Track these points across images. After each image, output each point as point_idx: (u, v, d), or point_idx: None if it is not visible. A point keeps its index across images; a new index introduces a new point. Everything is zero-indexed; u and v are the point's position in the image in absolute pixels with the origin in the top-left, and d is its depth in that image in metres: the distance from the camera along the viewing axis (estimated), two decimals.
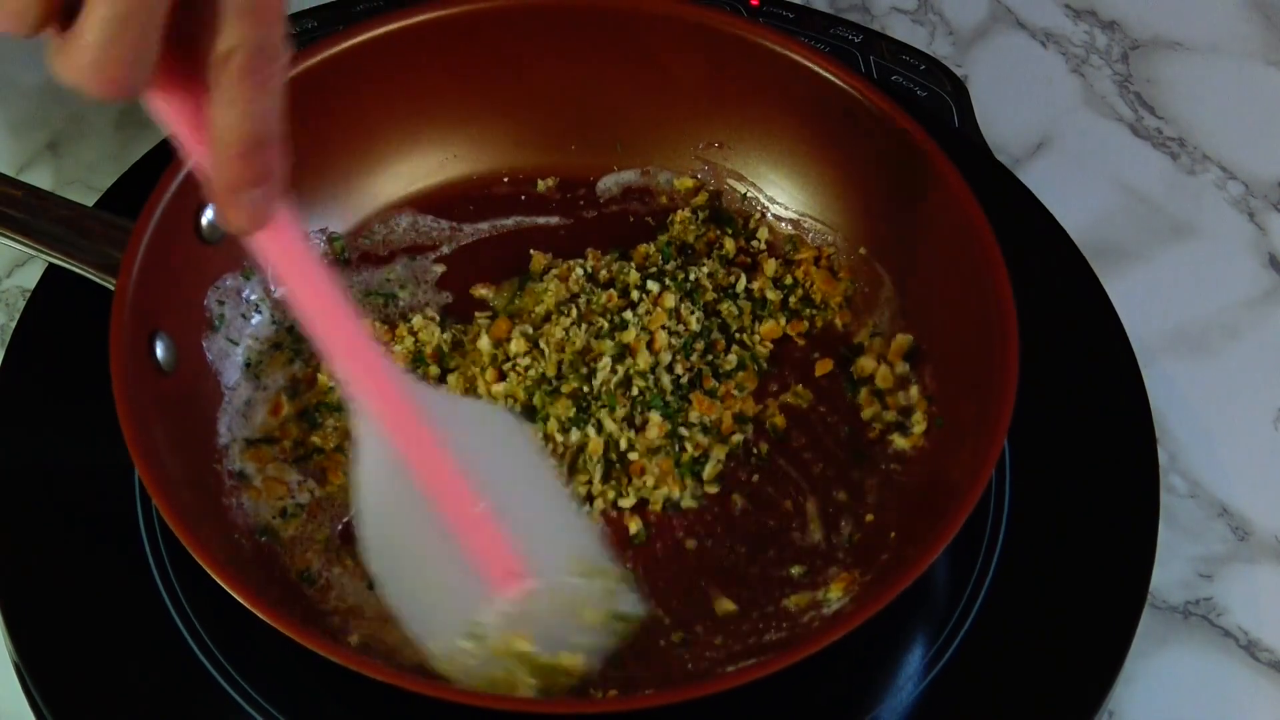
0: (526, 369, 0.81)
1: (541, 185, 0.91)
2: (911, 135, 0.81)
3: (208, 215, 0.81)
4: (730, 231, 0.89)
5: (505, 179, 0.91)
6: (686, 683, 0.73)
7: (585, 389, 0.80)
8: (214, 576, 0.68)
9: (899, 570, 0.70)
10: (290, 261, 0.61)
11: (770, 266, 0.87)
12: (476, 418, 0.71)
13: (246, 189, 0.55)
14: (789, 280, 0.87)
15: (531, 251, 0.87)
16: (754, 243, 0.88)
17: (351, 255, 0.88)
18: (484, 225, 0.89)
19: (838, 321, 0.85)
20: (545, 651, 0.67)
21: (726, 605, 0.76)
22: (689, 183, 0.90)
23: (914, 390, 0.82)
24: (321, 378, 0.81)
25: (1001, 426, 0.71)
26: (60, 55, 0.52)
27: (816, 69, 0.84)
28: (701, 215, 0.89)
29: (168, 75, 0.55)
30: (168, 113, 0.56)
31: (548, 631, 0.67)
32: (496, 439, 0.70)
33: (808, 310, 0.86)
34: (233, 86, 0.54)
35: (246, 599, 0.67)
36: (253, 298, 0.84)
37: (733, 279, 0.86)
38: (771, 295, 0.86)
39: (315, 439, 0.80)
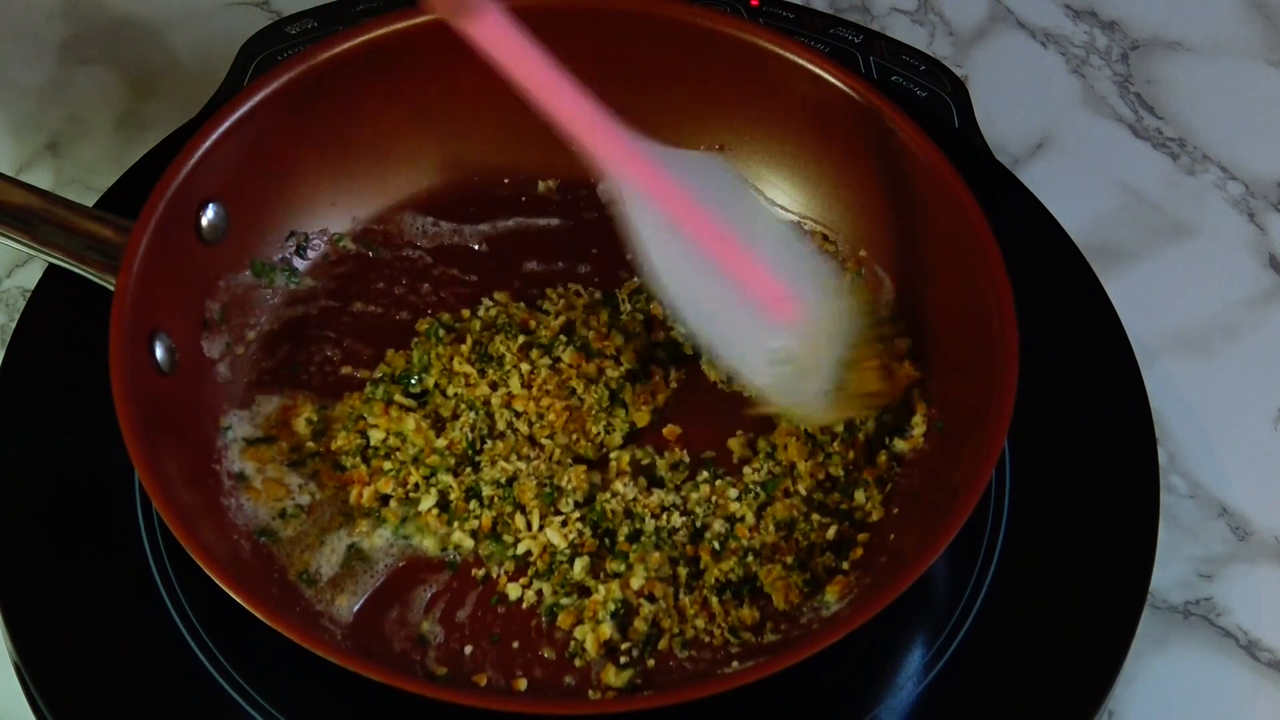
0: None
1: (542, 186, 0.91)
2: (912, 137, 0.81)
3: (208, 215, 0.81)
4: None
5: (506, 180, 0.91)
6: (685, 684, 0.73)
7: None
8: (213, 577, 0.68)
9: (897, 573, 0.70)
10: (510, 54, 0.68)
11: None
12: (702, 167, 0.77)
13: None
14: None
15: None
16: None
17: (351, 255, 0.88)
18: (485, 226, 0.89)
19: None
20: (840, 349, 0.76)
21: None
22: None
23: (914, 393, 0.82)
24: (347, 402, 0.82)
25: (1001, 429, 0.71)
26: None
27: (816, 71, 0.84)
28: None
29: None
30: None
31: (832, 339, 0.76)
32: (723, 183, 0.77)
33: None
34: None
35: (245, 600, 0.67)
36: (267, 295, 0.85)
37: None
38: None
39: (313, 445, 0.80)
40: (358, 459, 0.79)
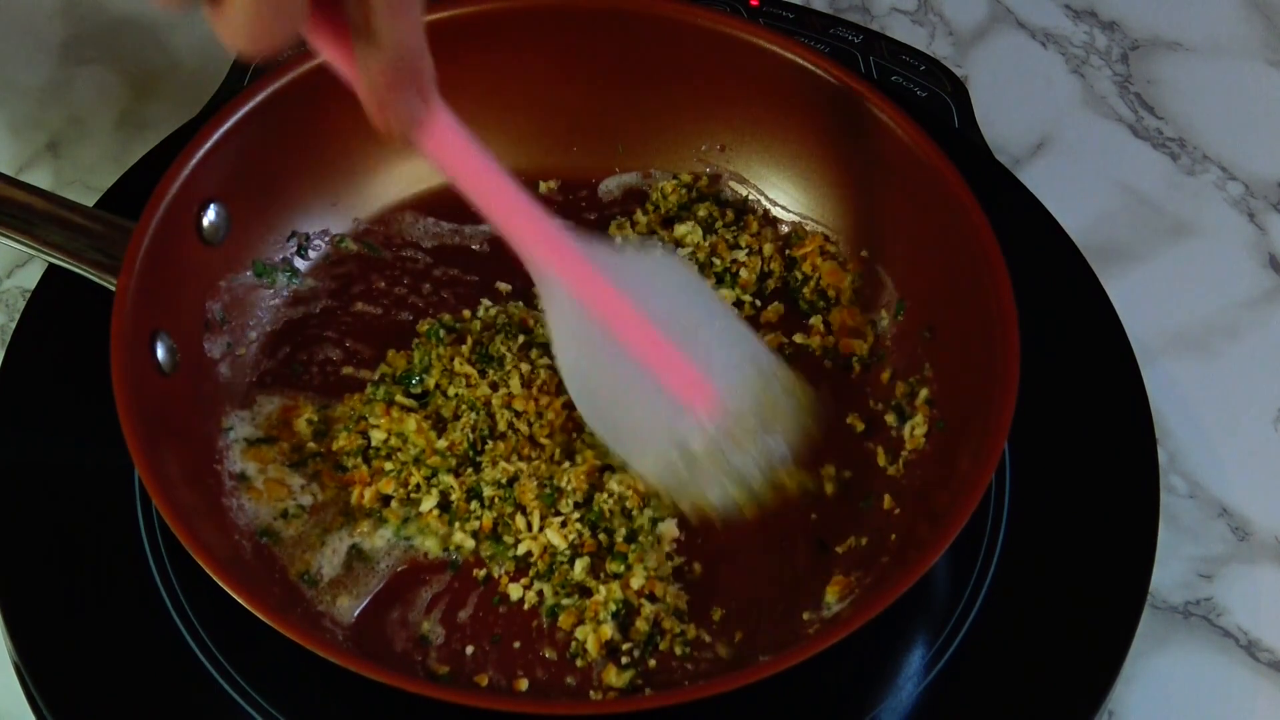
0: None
1: (543, 187, 0.91)
2: (911, 136, 0.81)
3: (209, 216, 0.81)
4: (724, 220, 0.89)
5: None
6: (687, 684, 0.73)
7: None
8: (214, 577, 0.68)
9: (898, 573, 0.70)
10: (453, 157, 0.67)
11: (769, 248, 0.87)
12: (644, 263, 0.76)
13: (396, 100, 0.63)
14: (798, 275, 0.87)
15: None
16: (744, 237, 0.89)
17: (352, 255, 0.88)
18: (485, 227, 0.89)
19: (847, 319, 0.85)
20: (752, 463, 0.74)
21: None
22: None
23: (915, 394, 0.82)
24: (347, 403, 0.82)
25: (1002, 429, 0.71)
26: (217, 22, 0.59)
27: (817, 71, 0.84)
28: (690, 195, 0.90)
29: (315, 19, 0.62)
30: (319, 47, 0.63)
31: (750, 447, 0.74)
32: (665, 278, 0.75)
33: (820, 302, 0.86)
34: (373, 20, 0.60)
35: (247, 600, 0.67)
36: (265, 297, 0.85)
37: (728, 264, 0.87)
38: (775, 267, 0.87)
39: (313, 445, 0.80)
40: (359, 459, 0.79)
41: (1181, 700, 0.79)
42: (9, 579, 0.76)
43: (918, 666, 0.75)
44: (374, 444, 0.79)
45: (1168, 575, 0.83)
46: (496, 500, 0.77)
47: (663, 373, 0.72)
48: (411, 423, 0.79)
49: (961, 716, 0.75)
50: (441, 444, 0.78)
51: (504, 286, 0.87)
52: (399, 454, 0.78)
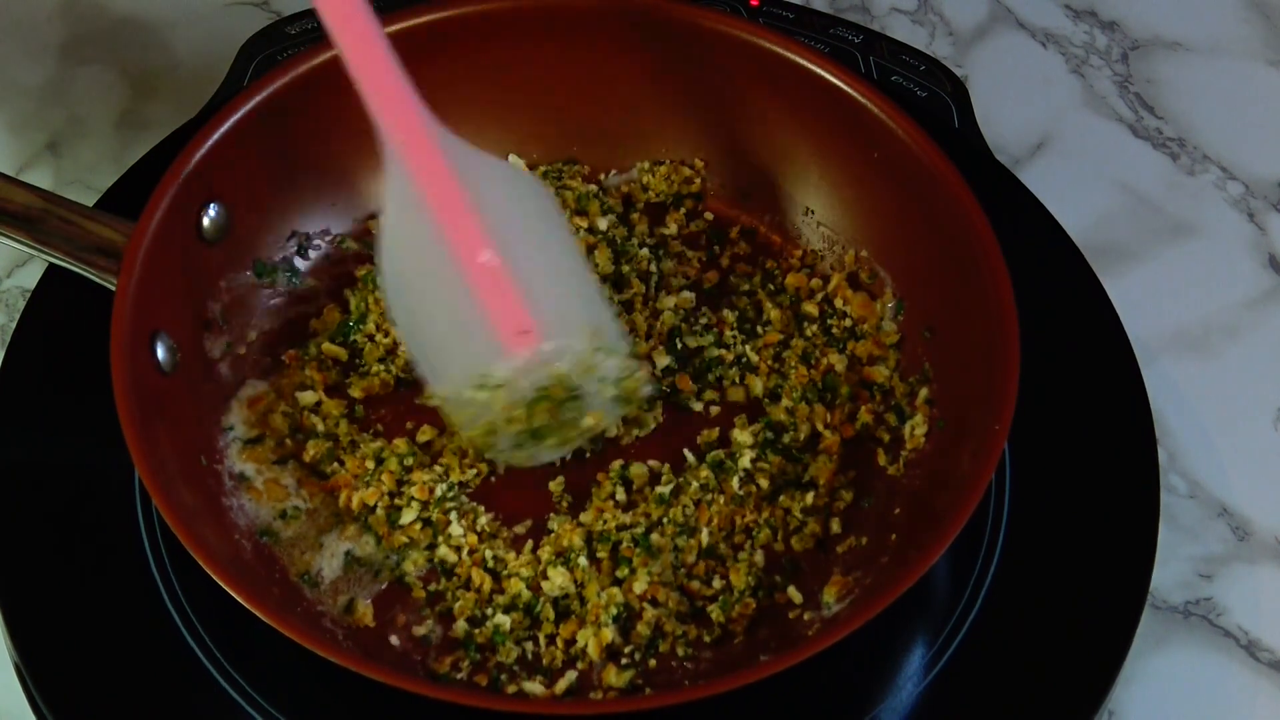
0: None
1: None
2: (910, 134, 0.81)
3: (210, 215, 0.81)
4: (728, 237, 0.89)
5: None
6: (686, 684, 0.73)
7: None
8: (214, 577, 0.68)
9: (897, 574, 0.70)
10: (337, 8, 0.64)
11: (796, 278, 0.87)
12: (506, 179, 0.71)
13: None
14: (830, 309, 0.86)
15: None
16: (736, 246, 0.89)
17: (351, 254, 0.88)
18: None
19: (873, 349, 0.84)
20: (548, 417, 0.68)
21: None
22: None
23: (916, 393, 0.82)
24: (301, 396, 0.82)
25: (1002, 429, 0.71)
26: None
27: (816, 70, 0.84)
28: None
29: None
30: None
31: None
32: (523, 201, 0.69)
33: (850, 341, 0.84)
34: None
35: (247, 599, 0.67)
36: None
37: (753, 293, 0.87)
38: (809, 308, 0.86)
39: (290, 442, 0.80)
40: (334, 464, 0.79)
41: (1181, 700, 0.79)
42: (9, 579, 0.76)
43: (918, 666, 0.75)
44: (320, 431, 0.79)
45: (1168, 575, 0.83)
46: (474, 547, 0.77)
47: (485, 293, 0.66)
48: (344, 424, 0.80)
49: (962, 716, 0.75)
50: (401, 443, 0.79)
51: None
52: (360, 450, 0.79)
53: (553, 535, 0.77)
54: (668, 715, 0.68)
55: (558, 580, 0.75)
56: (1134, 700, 0.79)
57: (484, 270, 0.65)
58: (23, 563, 0.77)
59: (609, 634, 0.74)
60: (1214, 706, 0.79)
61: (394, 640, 0.75)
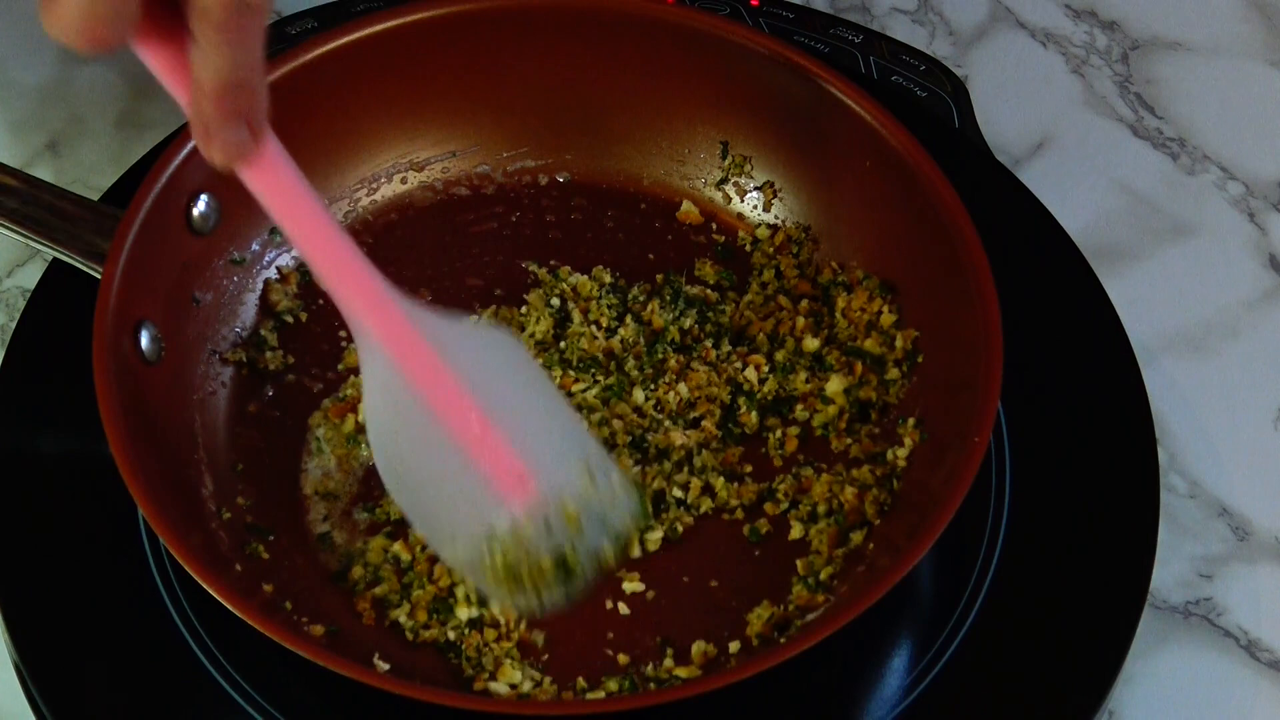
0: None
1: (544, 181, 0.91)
2: (898, 138, 0.81)
3: (199, 206, 0.81)
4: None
5: (502, 180, 0.91)
6: (652, 689, 0.73)
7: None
8: (192, 573, 0.67)
9: (872, 583, 0.69)
10: (278, 195, 0.63)
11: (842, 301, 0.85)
12: (475, 339, 0.71)
13: (222, 128, 0.60)
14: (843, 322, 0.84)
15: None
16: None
17: None
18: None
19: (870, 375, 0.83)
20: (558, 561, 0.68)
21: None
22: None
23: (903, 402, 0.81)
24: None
25: (980, 444, 0.70)
26: (47, 15, 0.56)
27: (807, 69, 0.84)
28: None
29: (150, 26, 0.59)
30: (151, 60, 0.61)
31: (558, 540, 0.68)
32: (496, 358, 0.70)
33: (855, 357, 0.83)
34: (210, 37, 0.58)
35: (225, 596, 0.67)
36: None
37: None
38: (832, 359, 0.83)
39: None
40: None
41: (1181, 700, 0.79)
42: (9, 579, 0.76)
43: (918, 666, 0.75)
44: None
45: (1168, 575, 0.83)
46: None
47: (478, 454, 0.67)
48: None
49: (961, 716, 0.75)
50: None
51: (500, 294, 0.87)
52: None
53: None
54: (665, 714, 0.68)
55: None
56: (1134, 700, 0.79)
57: (473, 431, 0.66)
58: (22, 562, 0.77)
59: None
60: (1214, 706, 0.79)
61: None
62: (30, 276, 0.92)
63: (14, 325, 0.85)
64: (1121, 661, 0.75)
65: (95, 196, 0.91)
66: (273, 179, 0.63)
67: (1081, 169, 1.01)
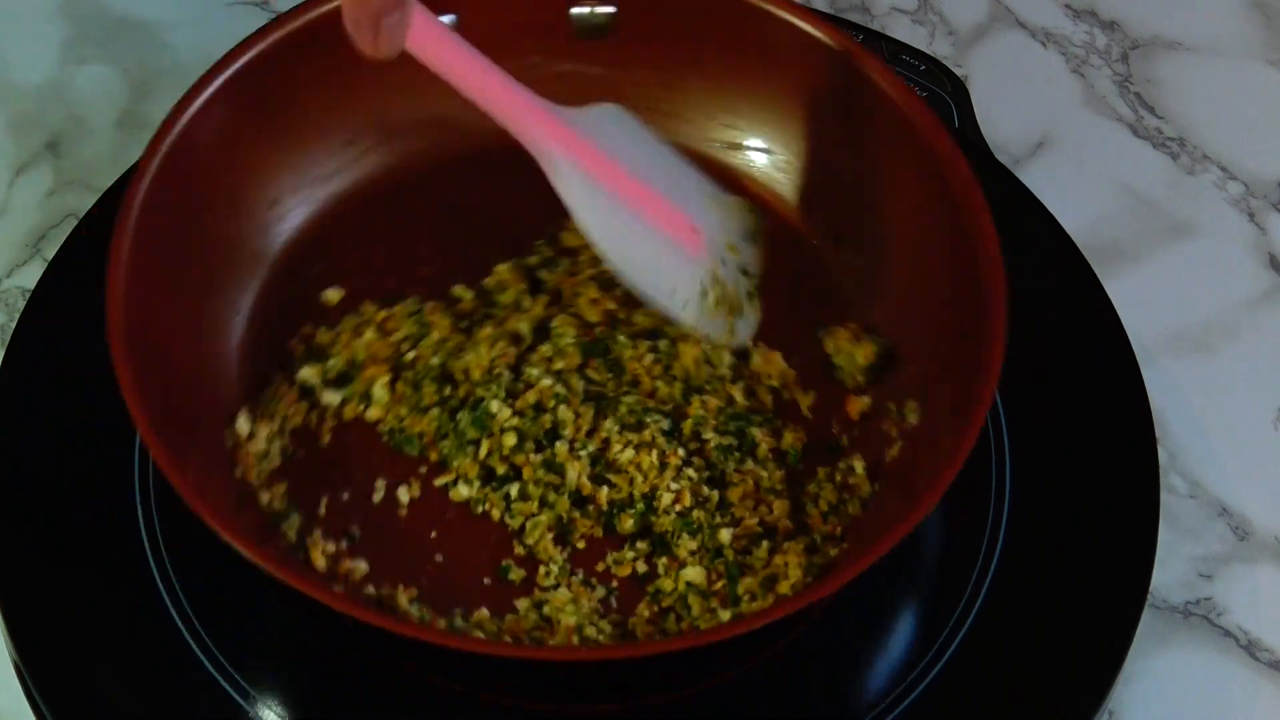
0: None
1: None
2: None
3: None
4: None
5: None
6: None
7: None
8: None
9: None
10: (443, 57, 0.70)
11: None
12: (606, 120, 0.78)
13: (382, 25, 0.67)
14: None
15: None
16: None
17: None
18: None
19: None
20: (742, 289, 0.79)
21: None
22: None
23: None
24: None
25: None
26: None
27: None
28: None
29: None
30: None
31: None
32: (626, 132, 0.78)
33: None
34: None
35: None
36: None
37: None
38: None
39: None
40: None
41: (1181, 700, 0.79)
42: (9, 579, 0.76)
43: (918, 666, 0.75)
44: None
45: (1168, 575, 0.83)
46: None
47: (655, 219, 0.76)
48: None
49: (961, 716, 0.75)
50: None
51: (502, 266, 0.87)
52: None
53: None
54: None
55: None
56: (1134, 700, 0.79)
57: (646, 202, 0.76)
58: (22, 562, 0.77)
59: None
60: (1214, 706, 0.80)
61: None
62: (30, 276, 0.92)
63: (14, 325, 0.85)
64: (1121, 661, 0.75)
65: (96, 196, 0.91)
66: (434, 46, 0.70)
67: (1081, 169, 1.01)
